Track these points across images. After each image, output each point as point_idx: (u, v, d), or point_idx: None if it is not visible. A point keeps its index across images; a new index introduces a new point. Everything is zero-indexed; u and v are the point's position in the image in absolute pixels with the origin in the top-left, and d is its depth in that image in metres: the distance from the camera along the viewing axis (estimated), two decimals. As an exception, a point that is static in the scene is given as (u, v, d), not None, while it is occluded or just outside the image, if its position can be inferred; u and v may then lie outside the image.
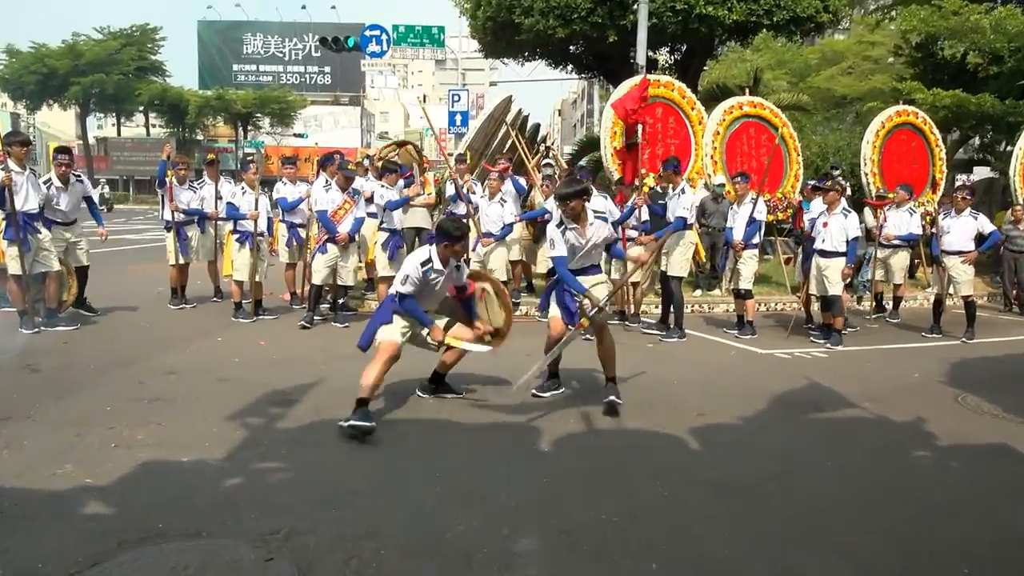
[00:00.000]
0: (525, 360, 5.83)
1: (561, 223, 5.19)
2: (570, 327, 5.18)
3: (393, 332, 4.98)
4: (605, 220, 5.27)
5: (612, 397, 5.15)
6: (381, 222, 8.82)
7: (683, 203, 7.92)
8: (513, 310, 5.68)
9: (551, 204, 9.00)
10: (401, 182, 9.27)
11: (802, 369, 6.85)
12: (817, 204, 8.55)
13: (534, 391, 5.54)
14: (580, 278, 5.19)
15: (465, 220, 9.26)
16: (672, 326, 8.00)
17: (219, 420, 4.87)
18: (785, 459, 4.50)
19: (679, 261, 8.02)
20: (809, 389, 6.13)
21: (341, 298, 8.60)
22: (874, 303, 9.47)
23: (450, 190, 9.53)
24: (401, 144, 10.97)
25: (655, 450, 4.61)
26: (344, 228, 8.06)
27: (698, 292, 10.39)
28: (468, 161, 10.53)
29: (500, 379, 5.89)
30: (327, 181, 8.59)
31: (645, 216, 8.35)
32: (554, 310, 5.35)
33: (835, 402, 5.75)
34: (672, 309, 8.08)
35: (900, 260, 9.21)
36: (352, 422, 4.61)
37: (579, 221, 5.15)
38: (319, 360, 6.64)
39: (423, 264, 4.97)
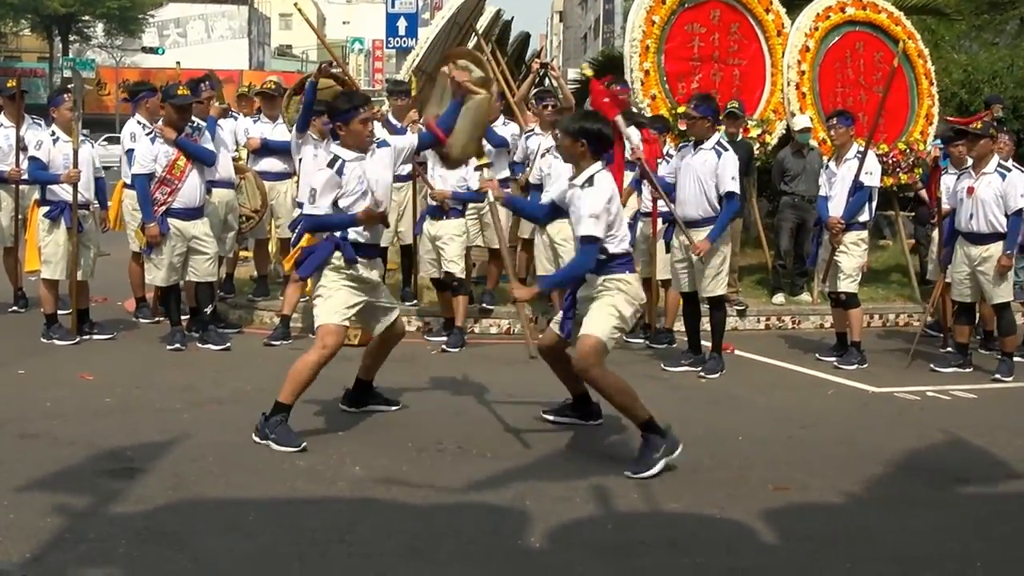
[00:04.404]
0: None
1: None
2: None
3: (335, 312, 5.84)
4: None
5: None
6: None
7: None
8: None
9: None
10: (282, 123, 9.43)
11: (939, 417, 6.88)
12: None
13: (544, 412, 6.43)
14: None
15: (410, 180, 9.39)
16: (711, 352, 8.06)
17: (20, 500, 4.82)
18: (914, 562, 4.50)
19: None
20: (950, 449, 6.16)
21: (208, 304, 8.61)
22: None
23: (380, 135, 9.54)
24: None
25: (709, 545, 4.60)
26: (188, 196, 8.05)
27: (778, 298, 10.46)
28: (413, 93, 10.49)
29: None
30: (144, 126, 8.56)
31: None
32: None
33: (995, 471, 5.77)
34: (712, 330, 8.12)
35: None
36: (272, 442, 5.63)
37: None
38: (178, 405, 6.61)
39: (331, 164, 5.87)
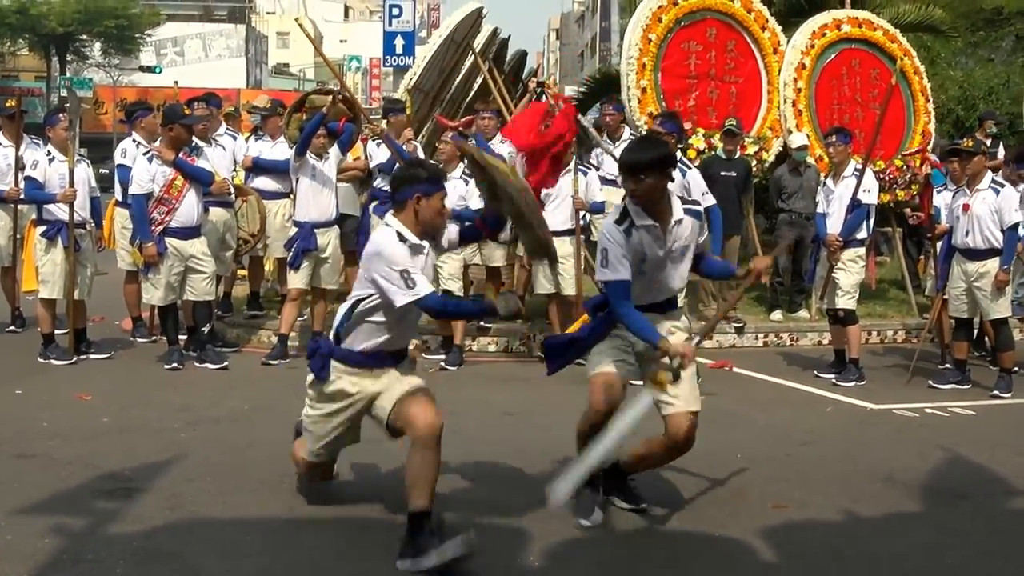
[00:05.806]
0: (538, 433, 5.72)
1: (624, 217, 4.77)
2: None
3: (604, 362, 4.87)
4: (697, 214, 4.91)
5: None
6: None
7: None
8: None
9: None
10: (283, 141, 9.45)
11: (938, 434, 6.90)
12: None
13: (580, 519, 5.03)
14: (649, 316, 4.82)
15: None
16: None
17: (17, 521, 4.82)
18: (909, 576, 4.51)
19: None
20: (949, 466, 6.17)
21: (206, 323, 8.62)
22: None
23: (378, 156, 9.58)
24: (323, 92, 10.90)
25: (708, 563, 4.61)
26: (185, 216, 8.09)
27: (776, 315, 10.48)
28: (409, 111, 10.53)
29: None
30: (140, 145, 8.57)
31: None
32: (604, 364, 4.92)
33: (994, 488, 5.79)
34: None
35: None
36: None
37: (658, 212, 4.75)
38: (175, 425, 6.61)
39: (414, 250, 4.93)
